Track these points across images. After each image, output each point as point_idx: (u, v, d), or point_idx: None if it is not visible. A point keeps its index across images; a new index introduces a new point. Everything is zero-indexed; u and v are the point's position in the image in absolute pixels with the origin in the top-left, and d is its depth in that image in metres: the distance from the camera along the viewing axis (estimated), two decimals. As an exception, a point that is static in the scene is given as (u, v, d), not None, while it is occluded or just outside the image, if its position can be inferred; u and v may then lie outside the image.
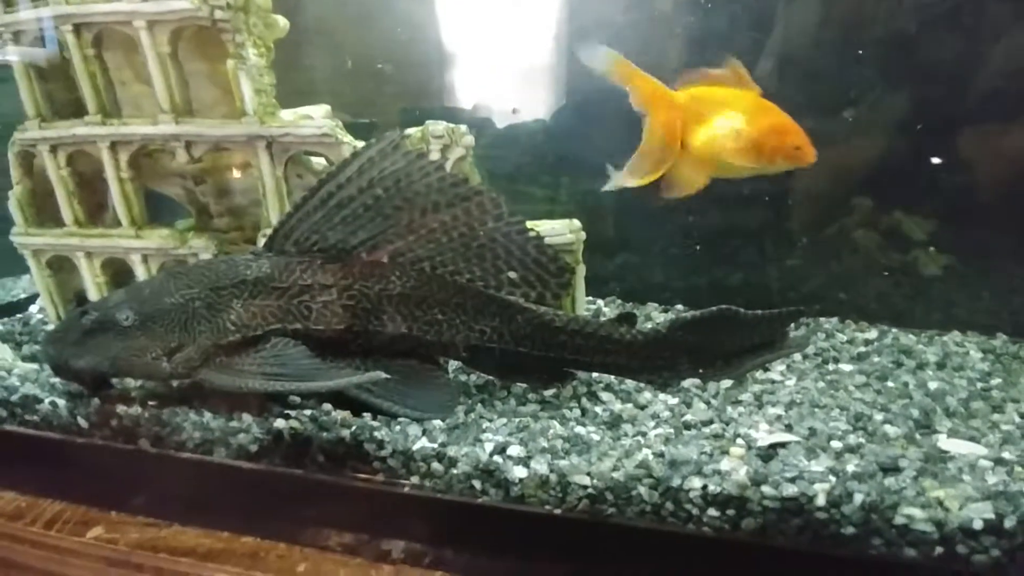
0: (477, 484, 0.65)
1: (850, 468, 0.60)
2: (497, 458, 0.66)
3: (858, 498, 0.56)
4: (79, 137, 0.85)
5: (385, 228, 0.74)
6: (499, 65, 1.28)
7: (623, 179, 0.86)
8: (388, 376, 0.71)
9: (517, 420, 0.74)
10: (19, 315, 1.06)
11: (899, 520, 0.55)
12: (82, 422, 0.78)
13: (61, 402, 0.78)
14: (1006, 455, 0.63)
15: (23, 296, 1.13)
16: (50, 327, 0.98)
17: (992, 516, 0.53)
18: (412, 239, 0.74)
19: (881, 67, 1.08)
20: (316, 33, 1.24)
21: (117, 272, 0.95)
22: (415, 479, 0.67)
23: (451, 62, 1.30)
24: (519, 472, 0.64)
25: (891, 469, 0.60)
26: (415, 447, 0.68)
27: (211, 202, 1.01)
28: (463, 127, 0.87)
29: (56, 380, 0.82)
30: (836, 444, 0.66)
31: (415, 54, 1.30)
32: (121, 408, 0.76)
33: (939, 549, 0.54)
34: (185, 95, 0.85)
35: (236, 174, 0.97)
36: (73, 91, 0.89)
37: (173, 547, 0.74)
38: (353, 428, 0.69)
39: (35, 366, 0.87)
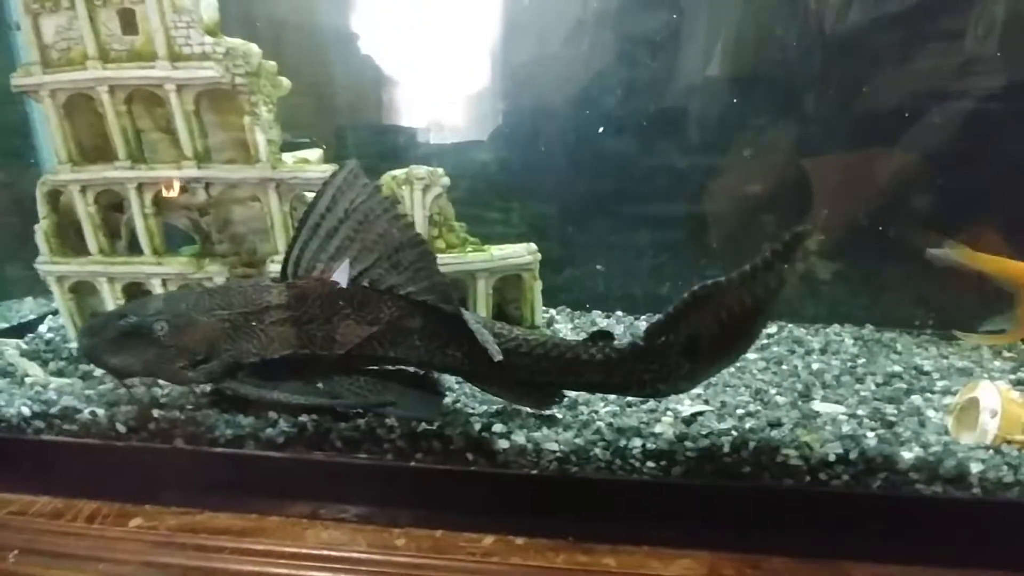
0: (470, 455, 0.83)
1: (747, 425, 0.82)
2: (485, 434, 0.83)
3: (751, 445, 0.77)
4: (109, 179, 0.98)
5: (373, 261, 0.83)
6: (436, 85, 1.42)
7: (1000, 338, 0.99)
8: (394, 401, 0.83)
9: (494, 407, 0.91)
10: (31, 334, 1.16)
11: (779, 459, 0.76)
12: (120, 427, 0.90)
13: (100, 411, 0.90)
14: (859, 412, 0.86)
15: (32, 317, 1.22)
16: (71, 345, 1.09)
17: (841, 451, 0.75)
18: (396, 274, 0.83)
19: (779, 108, 1.33)
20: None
21: (134, 295, 1.07)
22: (419, 455, 0.84)
23: (388, 82, 1.43)
24: (503, 444, 0.82)
25: (775, 425, 0.82)
26: (419, 430, 0.85)
27: (213, 231, 1.15)
28: (440, 170, 1.05)
29: (92, 392, 0.95)
30: (740, 411, 0.88)
31: (352, 73, 1.44)
32: (158, 412, 0.89)
33: (807, 477, 0.75)
34: (205, 143, 0.99)
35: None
36: (97, 136, 1.02)
37: (210, 528, 0.87)
38: (367, 418, 0.86)
39: (67, 380, 0.98)
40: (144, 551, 0.85)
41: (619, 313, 1.35)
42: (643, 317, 1.32)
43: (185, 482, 0.90)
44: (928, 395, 0.92)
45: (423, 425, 0.85)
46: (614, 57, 1.39)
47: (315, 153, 1.10)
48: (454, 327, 0.83)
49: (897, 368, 1.01)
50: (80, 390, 0.95)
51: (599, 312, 1.36)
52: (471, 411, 0.90)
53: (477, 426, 0.85)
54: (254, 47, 0.96)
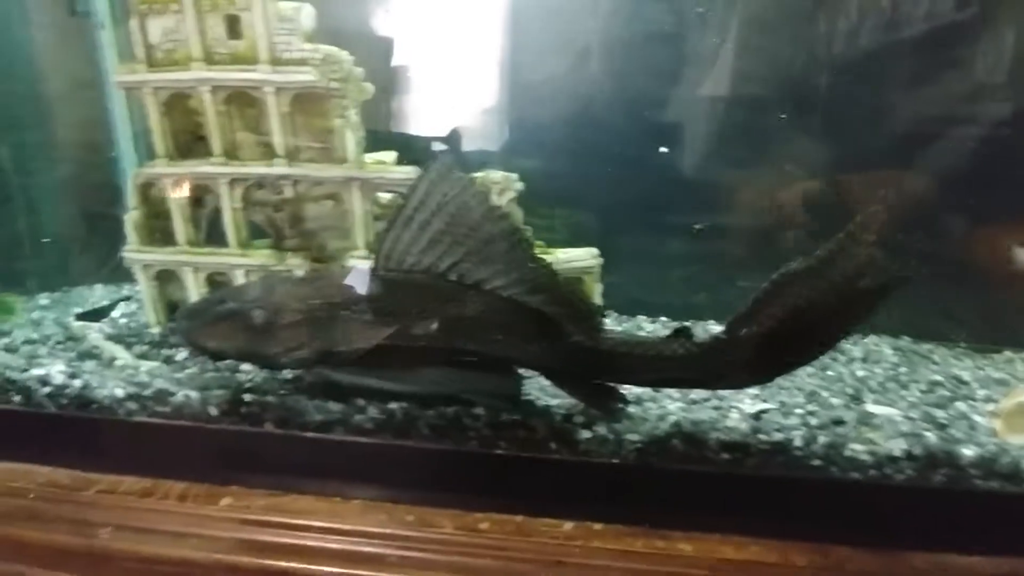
0: (552, 444, 0.88)
1: (813, 422, 0.88)
2: (566, 424, 0.89)
3: (821, 440, 0.83)
4: (202, 174, 1.03)
5: (462, 256, 0.86)
6: (445, 93, 1.45)
7: None
8: (482, 391, 0.87)
9: (569, 401, 0.96)
10: (105, 319, 1.20)
11: (848, 453, 0.82)
12: (212, 410, 0.94)
13: (194, 394, 0.95)
14: (911, 414, 0.93)
15: (105, 303, 1.27)
16: (153, 330, 1.13)
17: (906, 447, 0.81)
18: (485, 268, 0.86)
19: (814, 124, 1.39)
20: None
21: (215, 284, 1.12)
22: (503, 444, 0.89)
23: (399, 89, 1.47)
24: (585, 434, 0.87)
25: (839, 423, 0.88)
26: (502, 419, 0.90)
27: (286, 227, 1.20)
28: (514, 175, 1.11)
29: (182, 375, 0.99)
30: (799, 411, 0.94)
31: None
32: (250, 396, 0.94)
33: (873, 471, 0.81)
34: (295, 143, 1.04)
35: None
36: (186, 133, 1.07)
37: (296, 510, 0.91)
38: (454, 407, 0.90)
39: (157, 364, 1.02)
40: (237, 528, 0.89)
41: (663, 318, 1.41)
42: (687, 323, 1.37)
43: (272, 465, 0.94)
44: (971, 402, 0.98)
45: (505, 415, 0.90)
46: (654, 70, 1.45)
47: (391, 155, 1.15)
48: (537, 322, 0.87)
49: (938, 377, 1.08)
50: (170, 373, 0.99)
51: (644, 317, 1.42)
52: (544, 403, 0.95)
53: (557, 417, 0.90)
54: (346, 54, 1.02)
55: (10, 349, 1.05)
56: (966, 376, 1.08)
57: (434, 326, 0.89)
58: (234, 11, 0.96)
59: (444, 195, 0.87)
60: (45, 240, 1.28)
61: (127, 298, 1.29)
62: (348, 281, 0.93)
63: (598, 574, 0.80)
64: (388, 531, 0.87)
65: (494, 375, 0.94)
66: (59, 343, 1.09)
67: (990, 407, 0.96)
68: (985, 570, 0.77)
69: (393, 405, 0.91)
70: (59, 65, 1.27)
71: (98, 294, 1.35)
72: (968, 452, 0.80)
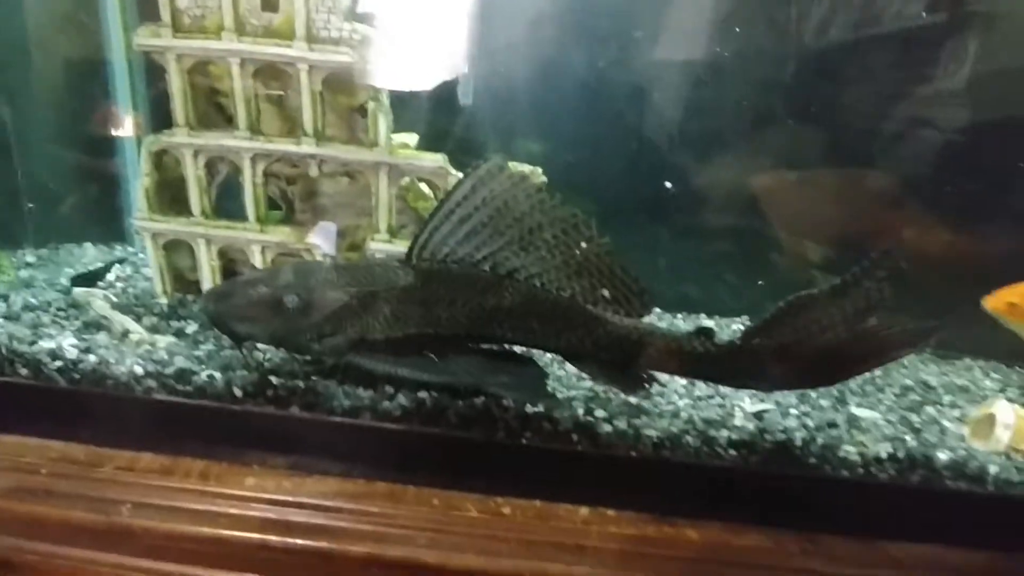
0: (575, 436, 0.93)
1: (810, 423, 0.97)
2: (589, 418, 0.94)
3: (819, 441, 0.92)
4: (225, 147, 1.00)
5: (502, 245, 0.89)
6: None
7: None
8: (515, 384, 0.89)
9: (587, 393, 1.01)
10: (100, 283, 1.15)
11: (841, 454, 0.91)
12: (237, 392, 0.94)
13: (218, 375, 0.94)
14: (890, 417, 1.03)
15: (100, 265, 1.21)
16: (161, 300, 1.10)
17: (891, 450, 0.91)
18: (524, 256, 0.89)
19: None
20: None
21: (227, 257, 1.10)
22: (529, 435, 0.93)
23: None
24: (606, 427, 0.93)
25: (832, 425, 0.97)
26: (529, 411, 0.94)
27: (297, 201, 1.18)
28: (539, 169, 1.13)
29: (201, 352, 0.97)
30: (794, 411, 1.02)
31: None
32: (276, 379, 0.94)
33: (861, 470, 0.91)
34: (324, 122, 1.02)
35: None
36: (204, 103, 1.03)
37: (322, 492, 0.93)
38: (483, 398, 0.94)
39: (171, 339, 1.00)
40: (265, 508, 0.91)
41: (657, 310, 1.47)
42: (679, 316, 1.44)
43: (296, 447, 0.95)
44: (939, 407, 1.10)
45: (530, 407, 0.94)
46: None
47: (412, 137, 1.15)
48: (571, 312, 0.90)
49: (908, 381, 1.19)
50: (187, 350, 0.98)
51: (657, 310, 1.46)
52: (564, 395, 1.00)
53: (580, 410, 0.95)
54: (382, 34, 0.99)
55: (11, 317, 1.01)
56: (933, 381, 1.20)
57: (465, 315, 0.92)
58: (272, -17, 0.92)
59: (491, 191, 0.88)
60: (30, 205, 1.21)
61: (122, 260, 1.24)
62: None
63: (615, 557, 0.87)
64: (415, 514, 0.90)
65: (519, 366, 0.96)
66: (61, 310, 1.05)
67: (955, 412, 1.07)
68: (949, 559, 0.89)
69: (423, 394, 0.93)
70: (57, 10, 1.17)
71: (90, 254, 1.29)
72: (942, 456, 0.91)
